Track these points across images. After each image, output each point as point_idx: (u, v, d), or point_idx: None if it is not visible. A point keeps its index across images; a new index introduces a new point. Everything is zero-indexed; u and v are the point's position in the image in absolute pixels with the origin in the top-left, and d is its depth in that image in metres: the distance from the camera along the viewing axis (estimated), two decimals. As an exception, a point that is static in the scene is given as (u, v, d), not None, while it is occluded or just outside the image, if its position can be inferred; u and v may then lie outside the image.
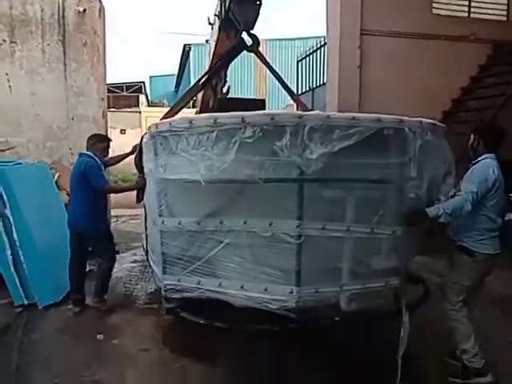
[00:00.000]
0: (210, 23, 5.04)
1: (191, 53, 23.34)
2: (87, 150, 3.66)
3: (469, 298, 2.58)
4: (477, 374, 2.49)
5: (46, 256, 3.80)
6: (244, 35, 4.18)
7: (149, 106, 24.85)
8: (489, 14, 7.56)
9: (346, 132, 2.07)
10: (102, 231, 3.60)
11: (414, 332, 2.36)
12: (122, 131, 18.85)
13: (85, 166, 3.46)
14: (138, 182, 3.29)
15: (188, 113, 8.69)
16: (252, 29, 3.69)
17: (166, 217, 2.49)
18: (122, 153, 4.13)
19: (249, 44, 3.83)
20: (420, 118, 2.31)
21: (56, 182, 5.25)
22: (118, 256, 4.75)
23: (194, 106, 7.95)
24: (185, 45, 24.44)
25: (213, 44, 4.94)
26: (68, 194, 5.20)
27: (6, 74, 5.67)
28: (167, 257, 2.54)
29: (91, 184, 3.44)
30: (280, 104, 17.90)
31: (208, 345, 2.83)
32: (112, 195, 5.06)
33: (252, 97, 16.66)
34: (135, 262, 5.24)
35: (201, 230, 2.35)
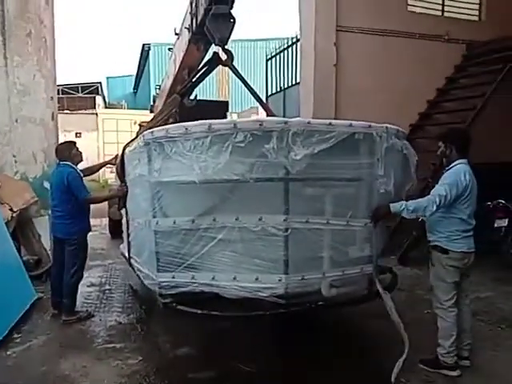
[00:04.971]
0: (176, 33, 5.84)
1: (150, 53, 24.77)
2: (61, 160, 4.42)
3: (457, 298, 3.24)
4: (446, 368, 3.24)
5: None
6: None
7: (106, 107, 26.11)
8: (462, 14, 9.00)
9: (323, 136, 2.90)
10: (77, 236, 4.34)
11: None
12: (78, 134, 19.86)
13: (67, 178, 4.21)
14: (120, 191, 4.08)
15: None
16: (226, 44, 4.50)
17: (160, 217, 3.21)
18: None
19: (223, 59, 4.69)
20: (386, 124, 3.23)
21: None
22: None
23: (151, 111, 8.66)
24: (144, 44, 25.90)
25: (180, 54, 5.75)
26: (11, 210, 5.76)
27: None
28: (161, 255, 3.25)
29: (74, 194, 4.20)
30: (243, 105, 19.52)
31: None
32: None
33: (215, 99, 18.09)
34: (92, 285, 5.58)
35: (195, 227, 3.08)
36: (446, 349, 3.23)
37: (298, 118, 3.06)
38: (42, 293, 4.96)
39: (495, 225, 6.28)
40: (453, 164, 3.28)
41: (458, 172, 3.21)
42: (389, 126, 3.24)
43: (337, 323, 4.10)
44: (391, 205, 3.19)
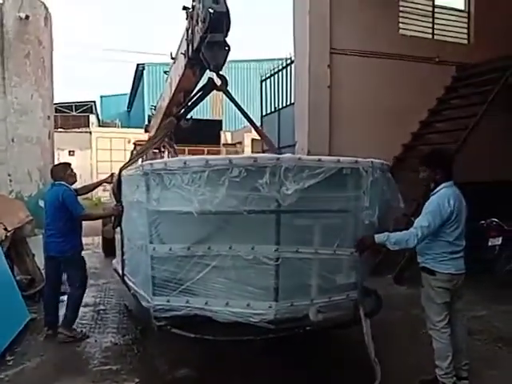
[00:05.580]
0: (172, 58, 6.14)
1: (144, 72, 26.09)
2: (56, 180, 4.71)
3: (451, 318, 3.37)
4: None
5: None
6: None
7: (100, 126, 27.35)
8: (451, 37, 9.46)
9: (313, 171, 3.17)
10: (75, 255, 4.63)
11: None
12: (71, 152, 20.56)
13: (62, 195, 4.47)
14: (115, 210, 4.34)
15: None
16: (221, 70, 4.79)
17: (157, 244, 3.47)
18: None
19: (218, 84, 4.99)
20: (371, 159, 3.52)
21: None
22: (66, 298, 5.31)
23: (146, 131, 8.98)
24: (138, 64, 27.41)
25: (176, 78, 6.05)
26: (5, 229, 6.00)
27: None
28: (157, 280, 3.49)
29: (69, 211, 4.44)
30: (237, 124, 20.31)
31: None
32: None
33: (209, 118, 18.83)
34: (86, 305, 5.57)
35: (190, 254, 3.34)
36: (444, 370, 3.36)
37: (289, 155, 3.34)
38: (35, 313, 5.09)
39: (489, 243, 6.43)
40: (437, 188, 3.43)
41: (442, 198, 3.34)
42: (374, 160, 3.54)
43: (328, 345, 4.32)
44: (376, 236, 3.44)
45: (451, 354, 3.36)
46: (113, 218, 4.74)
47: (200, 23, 4.68)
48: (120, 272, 4.79)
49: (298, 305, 3.37)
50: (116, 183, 4.45)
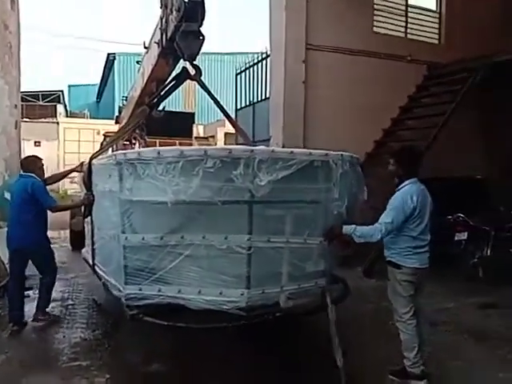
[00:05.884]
0: (145, 47, 6.18)
1: (115, 62, 25.86)
2: (25, 172, 4.75)
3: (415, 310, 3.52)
4: (414, 378, 3.53)
5: None
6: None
7: (67, 116, 26.57)
8: (423, 36, 9.84)
9: (286, 163, 3.33)
10: (45, 248, 4.74)
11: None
12: (37, 143, 20.25)
13: (31, 187, 4.49)
14: (86, 199, 4.40)
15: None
16: (195, 60, 4.88)
17: (130, 233, 3.55)
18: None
19: (192, 73, 5.08)
20: (341, 152, 3.72)
21: None
22: (31, 293, 5.44)
23: (117, 122, 8.92)
24: (109, 54, 27.17)
25: (149, 67, 6.09)
26: None
27: None
28: (129, 269, 3.59)
29: (39, 203, 4.44)
30: (210, 117, 20.45)
31: None
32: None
33: (181, 110, 18.88)
34: (53, 300, 5.39)
35: (163, 244, 3.45)
36: (411, 360, 3.54)
37: (262, 147, 3.49)
38: (0, 309, 5.07)
39: (455, 238, 6.75)
40: (402, 184, 3.61)
41: (405, 195, 3.52)
42: (344, 153, 3.73)
43: (297, 332, 4.50)
44: (344, 226, 3.63)
45: (417, 345, 3.54)
46: (83, 207, 4.77)
47: (174, 12, 4.75)
48: (90, 262, 4.84)
49: (269, 292, 3.54)
50: (86, 172, 4.49)
